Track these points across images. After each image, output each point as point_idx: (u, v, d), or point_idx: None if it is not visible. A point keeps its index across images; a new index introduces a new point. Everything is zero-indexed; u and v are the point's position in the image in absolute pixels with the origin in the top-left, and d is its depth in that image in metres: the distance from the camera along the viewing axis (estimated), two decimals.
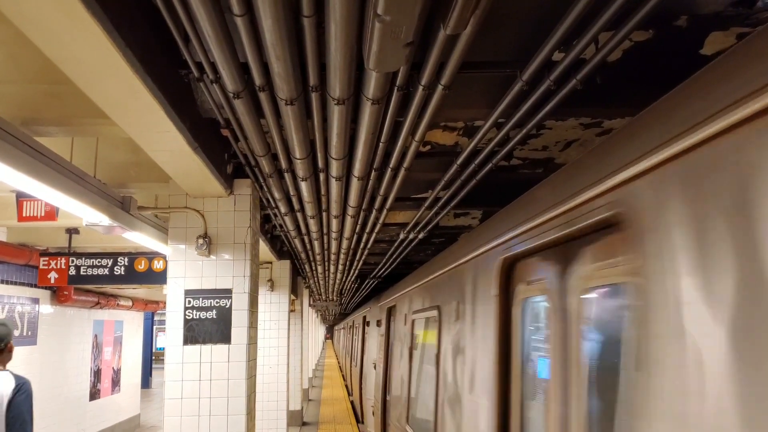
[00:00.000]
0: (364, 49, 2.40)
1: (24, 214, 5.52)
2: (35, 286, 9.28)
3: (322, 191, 5.18)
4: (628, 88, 3.39)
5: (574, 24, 2.34)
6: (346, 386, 21.95)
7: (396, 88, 2.96)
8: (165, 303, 5.53)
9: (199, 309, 5.09)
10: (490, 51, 3.11)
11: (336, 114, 3.17)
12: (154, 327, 30.14)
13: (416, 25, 2.09)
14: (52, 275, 7.59)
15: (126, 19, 2.47)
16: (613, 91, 3.43)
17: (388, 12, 1.96)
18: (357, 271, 12.31)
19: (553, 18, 2.46)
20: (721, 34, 3.09)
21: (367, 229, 7.20)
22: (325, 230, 7.35)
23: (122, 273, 7.58)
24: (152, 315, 28.22)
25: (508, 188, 5.71)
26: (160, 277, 7.56)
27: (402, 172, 4.51)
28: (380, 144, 3.85)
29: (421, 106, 3.15)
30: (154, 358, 27.88)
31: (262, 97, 3.09)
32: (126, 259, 7.59)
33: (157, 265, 7.60)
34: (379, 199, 5.57)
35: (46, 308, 10.14)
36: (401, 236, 7.97)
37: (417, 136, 3.67)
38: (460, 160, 4.36)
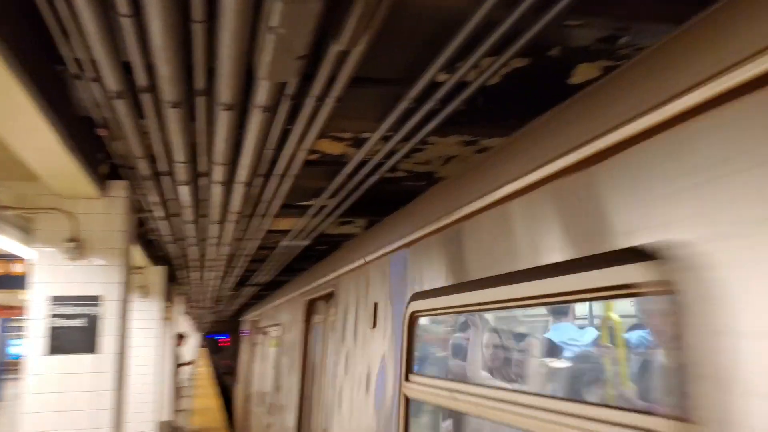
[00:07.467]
0: (255, 58, 2.39)
1: None
2: None
3: (203, 196, 5.05)
4: (506, 109, 3.60)
5: (458, 49, 2.47)
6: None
7: (286, 98, 2.97)
8: (24, 309, 5.15)
9: (66, 317, 4.77)
10: (380, 67, 3.19)
11: (223, 120, 3.12)
12: (5, 334, 27.69)
13: (309, 40, 2.13)
14: None
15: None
16: (492, 111, 3.63)
17: (282, 26, 1.98)
18: (237, 278, 12.04)
19: (442, 40, 2.57)
20: (588, 66, 3.36)
21: (249, 236, 7.09)
22: (202, 236, 7.14)
23: None
24: (2, 321, 26.02)
25: (392, 198, 5.84)
26: (18, 282, 7.03)
27: (288, 180, 4.50)
28: (267, 151, 3.83)
29: (311, 116, 3.18)
30: (5, 368, 25.49)
31: (145, 98, 2.99)
32: None
33: (16, 268, 7.07)
34: (263, 206, 5.51)
35: None
36: (285, 243, 7.91)
37: (305, 145, 3.69)
38: (347, 170, 4.42)
